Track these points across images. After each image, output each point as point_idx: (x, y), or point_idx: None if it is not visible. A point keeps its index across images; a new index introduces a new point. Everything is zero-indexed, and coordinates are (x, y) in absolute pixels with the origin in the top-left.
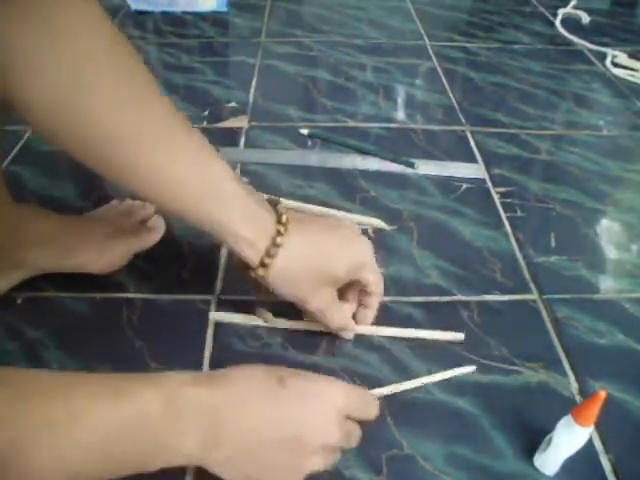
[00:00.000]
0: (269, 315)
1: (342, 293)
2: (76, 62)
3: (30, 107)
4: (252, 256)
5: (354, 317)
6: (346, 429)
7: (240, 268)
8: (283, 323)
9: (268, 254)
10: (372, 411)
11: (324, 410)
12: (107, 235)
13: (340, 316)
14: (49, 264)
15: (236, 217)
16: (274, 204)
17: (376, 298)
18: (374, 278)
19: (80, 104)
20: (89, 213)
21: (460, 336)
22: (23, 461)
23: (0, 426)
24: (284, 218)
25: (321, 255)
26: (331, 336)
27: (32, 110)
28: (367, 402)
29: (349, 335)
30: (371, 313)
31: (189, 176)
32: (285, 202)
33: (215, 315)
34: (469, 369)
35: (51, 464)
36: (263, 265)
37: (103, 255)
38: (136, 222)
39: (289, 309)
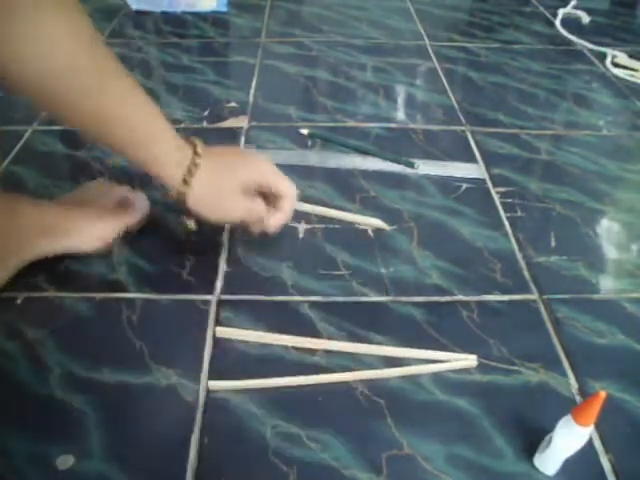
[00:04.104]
0: (192, 223)
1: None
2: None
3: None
4: (176, 175)
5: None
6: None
7: (164, 194)
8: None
9: (189, 172)
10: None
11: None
12: (96, 215)
13: (251, 210)
14: (46, 248)
15: (165, 148)
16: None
17: (289, 202)
18: (278, 181)
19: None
20: (66, 196)
21: (472, 361)
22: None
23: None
24: (199, 146)
25: (230, 169)
26: (329, 338)
27: None
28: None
29: (269, 226)
30: (282, 215)
31: (129, 109)
32: None
33: (221, 330)
34: (470, 361)
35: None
36: (185, 182)
37: (94, 234)
38: (117, 202)
39: None
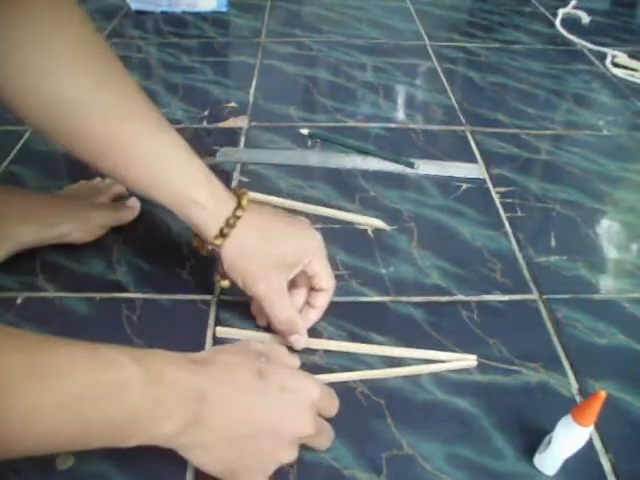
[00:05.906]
0: (226, 282)
1: (292, 292)
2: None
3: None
4: (211, 224)
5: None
6: (319, 425)
7: (196, 245)
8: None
9: (228, 224)
10: (334, 410)
11: (301, 404)
12: (85, 208)
13: (287, 308)
14: (32, 236)
15: (199, 186)
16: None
17: (325, 297)
18: (323, 271)
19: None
20: (61, 191)
21: (472, 361)
22: (3, 406)
23: None
24: (244, 198)
25: (275, 236)
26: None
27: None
28: (333, 401)
29: (299, 343)
30: (315, 314)
31: (151, 145)
32: (282, 201)
33: (221, 330)
34: (470, 361)
35: (28, 416)
36: (222, 234)
37: (83, 225)
38: (110, 199)
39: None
